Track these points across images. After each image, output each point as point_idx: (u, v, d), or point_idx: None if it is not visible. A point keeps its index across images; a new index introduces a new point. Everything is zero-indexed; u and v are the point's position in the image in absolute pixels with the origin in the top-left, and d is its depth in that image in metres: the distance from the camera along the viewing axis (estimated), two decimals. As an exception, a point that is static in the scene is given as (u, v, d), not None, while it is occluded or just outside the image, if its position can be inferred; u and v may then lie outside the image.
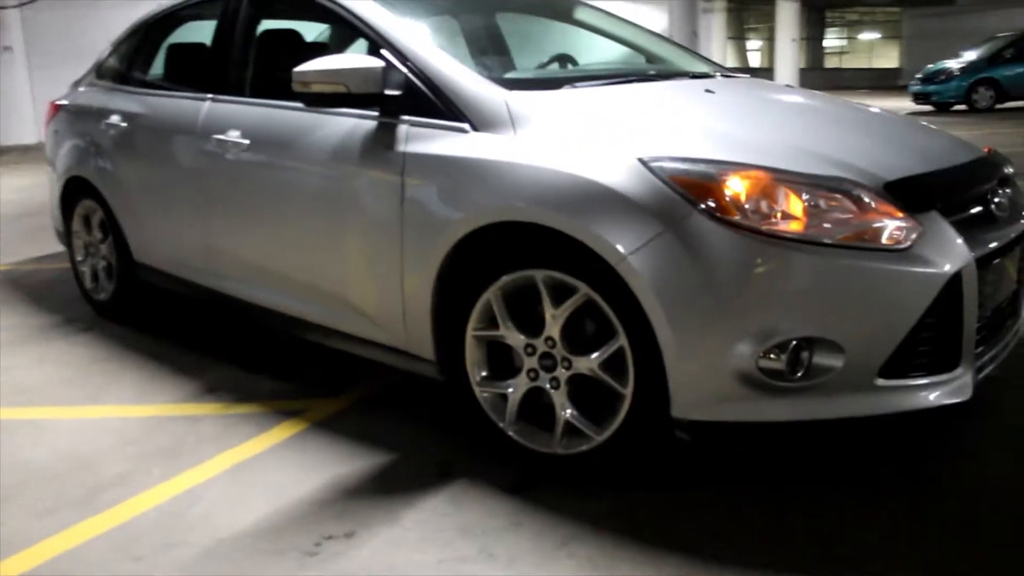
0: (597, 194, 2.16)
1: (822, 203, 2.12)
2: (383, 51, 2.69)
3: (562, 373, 2.33)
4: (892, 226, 2.12)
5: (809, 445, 2.52)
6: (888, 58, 37.66)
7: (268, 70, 3.31)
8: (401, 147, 2.57)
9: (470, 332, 2.45)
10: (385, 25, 2.77)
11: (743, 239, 2.05)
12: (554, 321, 2.30)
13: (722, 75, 3.31)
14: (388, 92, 2.60)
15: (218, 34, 3.49)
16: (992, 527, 2.12)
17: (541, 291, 2.30)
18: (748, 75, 3.49)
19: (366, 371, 3.22)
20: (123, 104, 3.88)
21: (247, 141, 3.08)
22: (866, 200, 2.13)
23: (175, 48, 4.06)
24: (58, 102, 4.52)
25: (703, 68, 3.41)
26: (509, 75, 2.96)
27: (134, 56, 4.20)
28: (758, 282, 2.06)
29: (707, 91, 2.83)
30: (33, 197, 8.16)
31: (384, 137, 2.63)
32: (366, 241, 2.68)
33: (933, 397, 2.19)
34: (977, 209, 2.38)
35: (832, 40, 39.56)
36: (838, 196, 2.13)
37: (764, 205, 2.09)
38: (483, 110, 2.47)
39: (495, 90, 2.51)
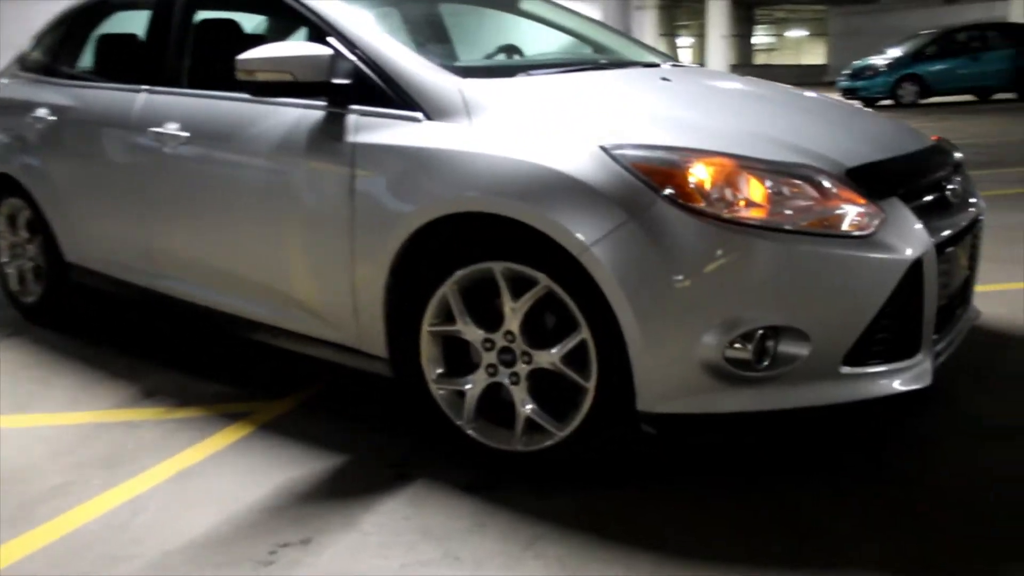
0: (558, 183, 2.10)
1: (785, 190, 2.09)
2: (330, 39, 2.59)
3: (522, 368, 2.26)
4: (855, 212, 2.11)
5: (772, 435, 2.50)
6: (815, 55, 38.50)
7: (207, 60, 3.18)
8: (350, 138, 2.47)
9: (425, 328, 2.37)
10: (332, 12, 2.67)
11: (709, 227, 2.01)
12: (513, 314, 2.24)
13: (671, 65, 3.28)
14: (336, 81, 2.50)
15: (153, 23, 3.34)
16: (958, 511, 2.12)
17: (500, 284, 2.23)
18: (698, 66, 3.47)
19: (311, 370, 3.11)
20: (51, 97, 3.69)
21: (186, 134, 2.95)
22: (829, 187, 2.11)
23: (105, 39, 3.88)
24: (-23, 96, 4.29)
25: (652, 58, 3.38)
26: (461, 63, 2.88)
27: (61, 47, 4.01)
28: (724, 270, 2.02)
29: (663, 79, 2.79)
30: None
31: (332, 128, 2.53)
32: (314, 236, 2.58)
33: (896, 384, 2.19)
34: (933, 196, 2.39)
35: (761, 37, 40.28)
36: (801, 183, 2.10)
37: (728, 192, 2.06)
38: (436, 98, 2.39)
39: (449, 78, 2.43)
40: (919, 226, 2.18)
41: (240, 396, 2.98)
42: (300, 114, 2.63)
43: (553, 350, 2.19)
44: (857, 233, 2.09)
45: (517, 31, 3.91)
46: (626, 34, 3.91)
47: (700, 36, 31.85)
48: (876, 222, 2.11)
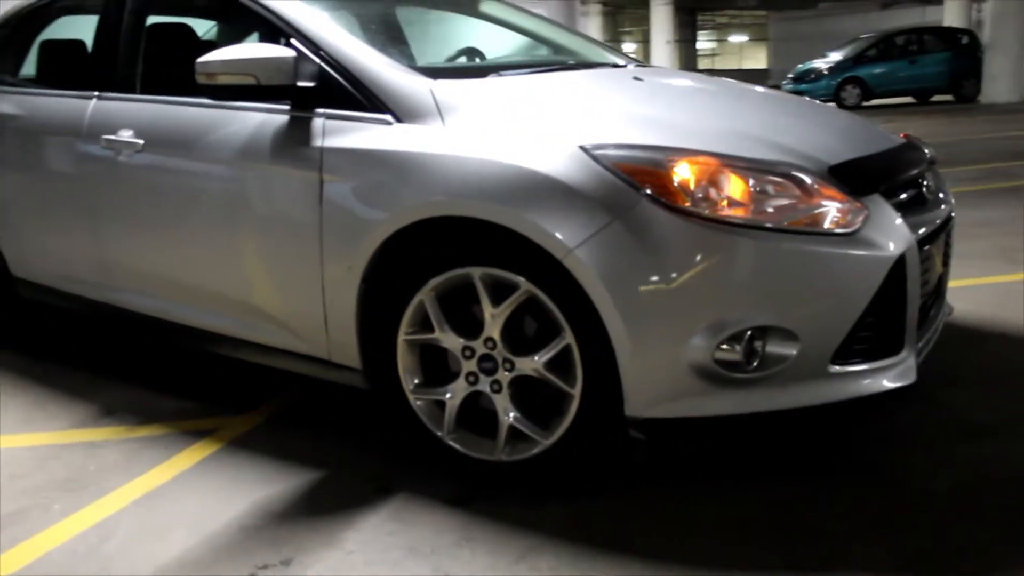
0: (538, 185, 2.04)
1: (770, 188, 2.07)
2: (293, 41, 2.51)
3: (504, 375, 2.20)
4: (839, 210, 2.08)
5: (761, 438, 2.47)
6: (756, 59, 39.10)
7: (161, 65, 3.07)
8: (318, 142, 2.39)
9: (401, 337, 2.29)
10: (293, 14, 2.58)
11: (694, 227, 1.97)
12: (494, 321, 2.18)
13: (636, 66, 3.25)
14: (301, 84, 2.42)
15: (102, 27, 3.21)
16: (950, 511, 2.10)
17: (479, 290, 2.17)
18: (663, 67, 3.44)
19: (276, 383, 3.02)
20: (-7, 105, 3.54)
21: (141, 141, 2.83)
22: (812, 184, 2.09)
23: (49, 45, 3.73)
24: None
25: (615, 59, 3.35)
26: (430, 64, 2.82)
27: (1, 53, 3.85)
28: (711, 271, 1.98)
29: (635, 79, 2.76)
30: None
31: (298, 132, 2.44)
32: (280, 244, 2.48)
33: (883, 382, 2.16)
34: (911, 193, 2.38)
35: (704, 42, 40.78)
36: (785, 181, 2.08)
37: (713, 192, 2.02)
38: (407, 100, 2.32)
39: (419, 79, 2.36)
40: (901, 222, 2.16)
41: (204, 412, 2.87)
42: (263, 119, 2.54)
43: (536, 356, 2.13)
44: (842, 230, 2.06)
45: (473, 35, 3.86)
46: (587, 36, 3.88)
47: (644, 42, 32.12)
48: (860, 219, 2.09)
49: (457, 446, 2.28)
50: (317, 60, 2.45)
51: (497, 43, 3.79)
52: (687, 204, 1.99)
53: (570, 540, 2.01)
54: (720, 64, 40.77)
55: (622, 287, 1.97)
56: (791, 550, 1.95)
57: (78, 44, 3.55)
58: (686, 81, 3.04)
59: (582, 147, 2.06)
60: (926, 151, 2.71)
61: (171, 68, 3.06)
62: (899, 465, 2.35)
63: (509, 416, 2.21)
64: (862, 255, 2.07)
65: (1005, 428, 2.53)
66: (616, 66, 3.13)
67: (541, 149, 2.09)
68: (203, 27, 3.40)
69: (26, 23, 3.83)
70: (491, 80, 2.51)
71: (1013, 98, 17.35)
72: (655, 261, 1.97)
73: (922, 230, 2.28)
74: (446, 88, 2.33)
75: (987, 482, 2.24)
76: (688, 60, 35.97)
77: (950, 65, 17.83)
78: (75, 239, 3.13)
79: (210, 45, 3.29)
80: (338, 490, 2.31)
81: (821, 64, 18.39)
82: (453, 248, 2.19)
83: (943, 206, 2.56)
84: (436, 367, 2.33)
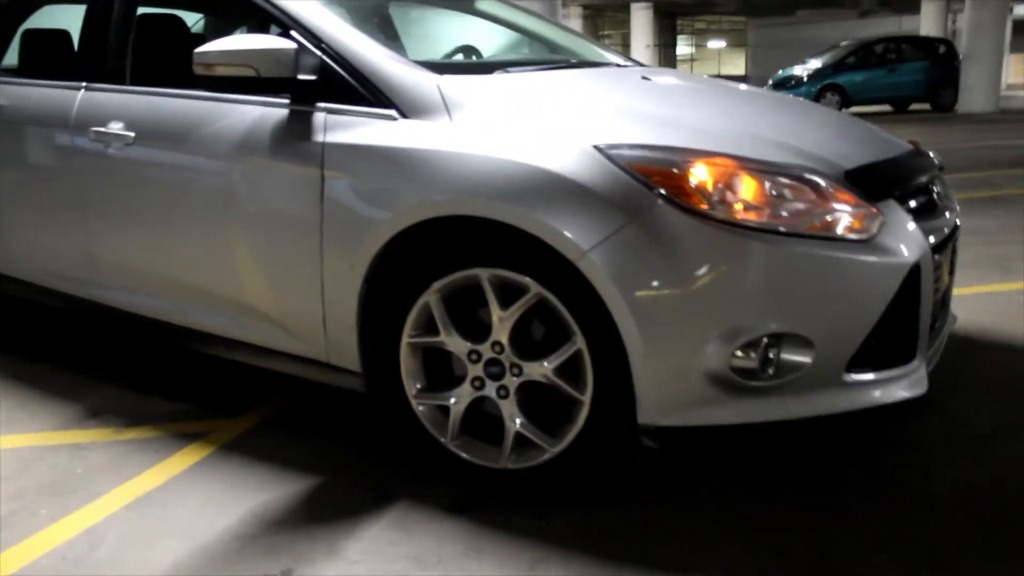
0: (551, 184, 1.99)
1: (786, 192, 2.02)
2: (293, 33, 2.43)
3: (511, 381, 2.14)
4: (856, 215, 2.05)
5: (773, 447, 2.43)
6: (735, 65, 39.28)
7: (153, 56, 2.98)
8: (319, 137, 2.32)
9: (405, 340, 2.23)
10: (294, 6, 2.50)
11: (712, 230, 1.92)
12: (502, 324, 2.12)
13: (634, 65, 3.20)
14: (301, 77, 2.35)
15: (90, 16, 3.11)
16: (960, 519, 2.08)
17: (487, 292, 2.11)
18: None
19: (269, 386, 2.94)
20: (-27, 95, 3.43)
21: (132, 133, 2.74)
22: (829, 189, 2.05)
23: (32, 34, 3.63)
24: None
25: (617, 59, 3.30)
26: (434, 60, 2.76)
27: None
28: (728, 276, 1.94)
29: (644, 79, 2.71)
30: None
31: (298, 126, 2.37)
32: (278, 242, 2.41)
33: (897, 391, 2.13)
34: (923, 200, 2.35)
35: (682, 47, 40.93)
36: (802, 185, 2.03)
37: (730, 194, 1.97)
38: (413, 95, 2.26)
39: (425, 75, 2.30)
40: (916, 229, 2.13)
41: (195, 414, 2.79)
42: (261, 112, 2.46)
43: (545, 362, 2.08)
44: (859, 236, 2.02)
45: (466, 32, 3.80)
46: (584, 36, 3.82)
47: (624, 46, 32.17)
48: (876, 225, 2.06)
49: (461, 453, 2.22)
50: (318, 53, 2.38)
51: (492, 41, 3.74)
52: (704, 207, 1.94)
53: (579, 551, 1.96)
54: (699, 69, 40.92)
55: (637, 291, 1.92)
56: (808, 563, 1.91)
57: (63, 34, 3.45)
58: (695, 83, 2.99)
59: (596, 146, 2.01)
60: (933, 158, 2.68)
61: (163, 59, 2.98)
62: (907, 473, 2.32)
63: (515, 422, 2.15)
64: (878, 262, 2.03)
65: (1005, 435, 2.52)
66: (619, 66, 3.08)
67: (553, 148, 2.03)
68: (196, 17, 3.31)
69: (7, 12, 3.72)
70: (498, 77, 2.45)
71: (989, 108, 17.53)
72: (671, 265, 1.92)
73: (936, 236, 2.25)
74: (453, 84, 2.26)
75: (989, 489, 2.22)
76: (668, 65, 36.10)
77: (928, 74, 17.98)
78: (61, 234, 3.04)
79: (201, 36, 3.21)
80: (336, 497, 2.24)
81: (801, 71, 18.48)
82: (460, 248, 2.13)
83: (951, 214, 2.53)
84: (439, 371, 2.27)
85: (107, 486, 2.33)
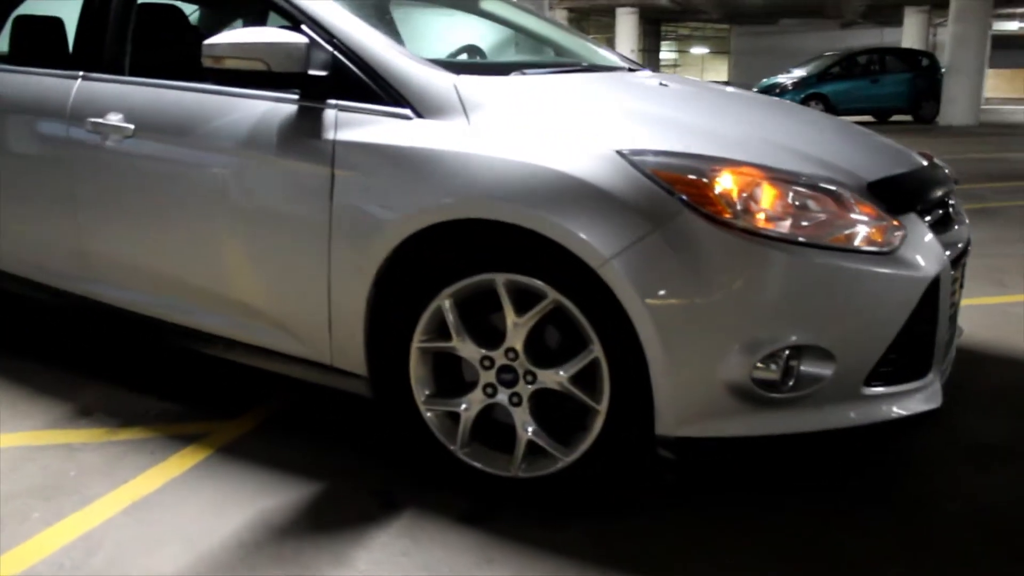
0: (573, 189, 1.94)
1: (810, 203, 1.99)
2: (303, 28, 2.37)
3: (525, 388, 2.09)
4: (879, 228, 2.02)
5: (791, 460, 2.40)
6: (717, 72, 39.46)
7: (155, 46, 2.91)
8: (330, 135, 2.26)
9: (415, 344, 2.17)
10: (306, 1, 2.44)
11: (737, 240, 1.89)
12: (516, 330, 2.07)
13: (643, 69, 3.17)
14: (312, 72, 2.29)
15: (88, 4, 3.03)
16: (975, 534, 2.06)
17: (502, 297, 2.06)
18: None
19: (265, 386, 2.87)
20: (-37, 82, 3.33)
21: (131, 126, 2.67)
22: (852, 201, 2.02)
23: (24, 21, 3.53)
24: None
25: (621, 63, 3.25)
26: (450, 59, 2.70)
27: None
28: (752, 286, 1.90)
29: (661, 84, 2.67)
30: None
31: (308, 123, 2.31)
32: (283, 242, 2.35)
33: (913, 404, 2.10)
34: (941, 213, 2.33)
35: (666, 53, 41.06)
36: (826, 197, 2.00)
37: (755, 205, 1.94)
38: (429, 95, 2.20)
39: (441, 74, 2.25)
40: (935, 242, 2.11)
41: (190, 415, 2.72)
42: (268, 107, 2.40)
43: (561, 369, 2.03)
44: (881, 249, 2.00)
45: (470, 32, 3.75)
46: (590, 39, 3.78)
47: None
48: (898, 238, 2.03)
49: (470, 460, 2.17)
50: (330, 48, 2.32)
51: (483, 42, 3.69)
52: (729, 216, 1.90)
53: (596, 562, 1.92)
54: (682, 75, 41.09)
55: (660, 300, 1.88)
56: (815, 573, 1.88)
57: (56, 21, 3.37)
58: (711, 90, 2.95)
59: (619, 152, 1.96)
60: (950, 173, 2.66)
61: (165, 50, 2.91)
62: (919, 487, 2.30)
63: (528, 431, 2.10)
64: (900, 275, 2.00)
65: (1010, 447, 2.51)
66: (630, 70, 3.04)
67: (575, 152, 1.99)
68: (203, 7, 3.24)
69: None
70: (515, 78, 2.40)
71: (970, 121, 17.69)
72: (695, 274, 1.88)
73: (953, 250, 2.23)
74: (471, 84, 2.21)
75: (997, 501, 2.21)
76: (652, 70, 36.18)
77: (910, 86, 18.12)
78: (52, 227, 2.95)
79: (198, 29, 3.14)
80: (341, 503, 2.18)
81: (785, 79, 18.56)
82: (476, 252, 2.08)
83: (964, 228, 2.52)
84: (449, 376, 2.22)
85: (102, 489, 2.25)
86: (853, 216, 2.01)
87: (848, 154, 2.28)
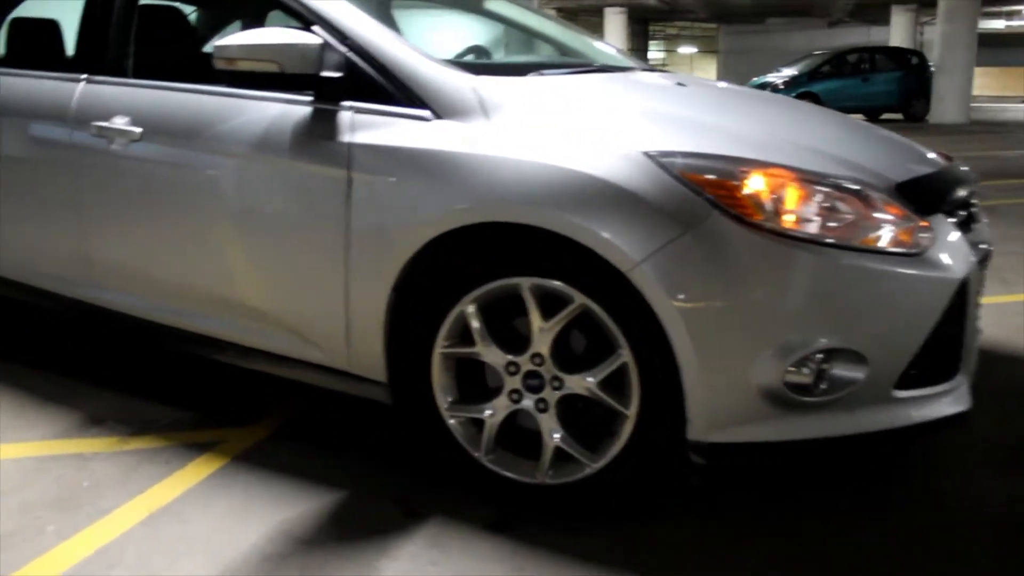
0: (600, 192, 1.91)
1: (840, 205, 1.96)
2: (315, 28, 2.33)
3: (551, 394, 2.06)
4: (908, 229, 1.99)
5: (817, 463, 2.37)
6: (706, 71, 39.52)
7: (162, 48, 2.86)
8: (345, 137, 2.22)
9: (438, 350, 2.14)
10: (317, 1, 2.39)
11: (767, 242, 1.86)
12: (542, 335, 2.03)
13: (654, 69, 3.14)
14: (326, 74, 2.25)
15: (90, 5, 2.98)
16: (1000, 536, 2.04)
17: (528, 302, 2.02)
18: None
19: (275, 393, 2.83)
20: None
21: (138, 129, 2.62)
22: (881, 202, 1.99)
23: (21, 23, 3.48)
24: None
25: (630, 63, 3.23)
26: (467, 60, 2.67)
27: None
28: (783, 289, 1.87)
29: (679, 84, 2.64)
30: None
31: (323, 125, 2.27)
32: (299, 247, 2.31)
33: (941, 407, 2.08)
34: (965, 214, 2.31)
35: (654, 52, 41.10)
36: (855, 198, 1.97)
37: (785, 206, 1.91)
38: (447, 96, 2.17)
39: (459, 74, 2.21)
40: (963, 243, 2.09)
41: (202, 423, 2.67)
42: (281, 109, 2.35)
43: (589, 375, 2.00)
44: (911, 250, 1.97)
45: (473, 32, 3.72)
46: (596, 38, 3.75)
47: (596, 49, 32.19)
48: (927, 239, 2.01)
49: (495, 467, 2.13)
50: (344, 49, 2.28)
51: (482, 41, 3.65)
52: (760, 218, 1.87)
53: (631, 570, 1.88)
54: (669, 74, 41.13)
55: (692, 304, 1.85)
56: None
57: (52, 23, 3.32)
58: (729, 90, 2.92)
59: (647, 153, 1.93)
60: (971, 173, 2.64)
61: (170, 51, 2.86)
62: (939, 487, 2.29)
63: (555, 437, 2.07)
64: (930, 276, 1.98)
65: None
66: (645, 70, 3.01)
67: (600, 153, 1.95)
68: (207, 8, 3.19)
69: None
70: (534, 79, 2.37)
71: (960, 119, 17.76)
72: (727, 277, 1.86)
73: (978, 251, 2.21)
74: (489, 85, 2.18)
75: (1017, 505, 2.20)
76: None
77: (900, 84, 18.19)
78: (56, 233, 2.89)
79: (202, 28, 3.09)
80: (363, 513, 2.14)
81: (775, 78, 18.60)
82: (500, 256, 2.04)
83: (985, 228, 2.50)
84: (471, 382, 2.18)
85: (117, 500, 2.21)
86: (882, 217, 1.98)
87: (873, 154, 2.26)
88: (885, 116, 18.76)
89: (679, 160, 1.92)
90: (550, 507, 2.11)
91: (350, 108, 2.25)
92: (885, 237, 1.96)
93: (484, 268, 2.05)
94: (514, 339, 2.09)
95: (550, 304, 2.02)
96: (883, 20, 25.59)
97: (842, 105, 17.87)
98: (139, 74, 2.82)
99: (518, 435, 2.15)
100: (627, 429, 1.99)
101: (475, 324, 2.08)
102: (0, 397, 2.86)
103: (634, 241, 1.87)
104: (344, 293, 2.24)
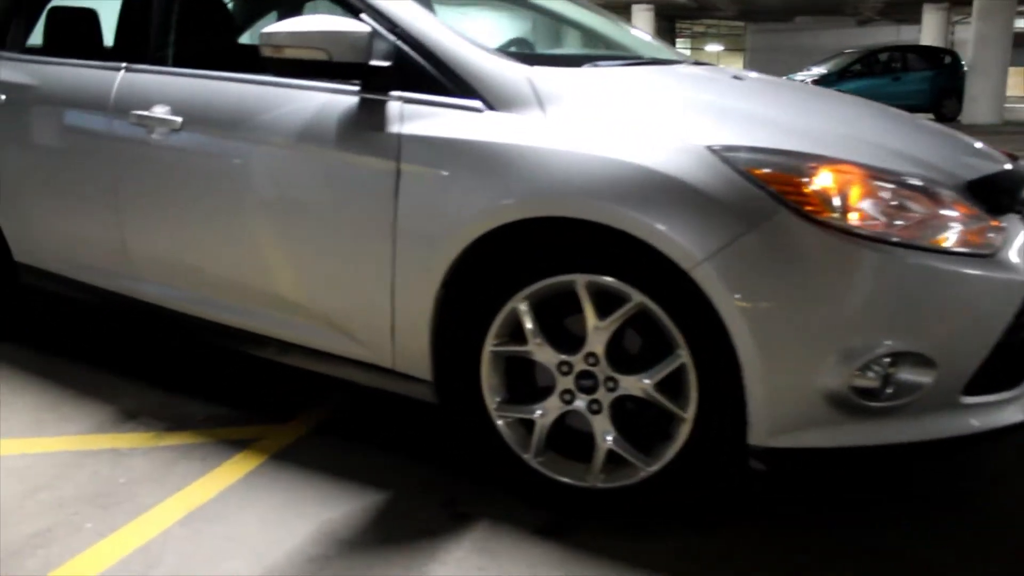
0: (661, 187, 1.84)
1: (910, 203, 1.87)
2: (363, 16, 2.27)
3: (605, 395, 1.99)
4: (979, 229, 1.91)
5: (881, 471, 2.29)
6: (731, 70, 39.18)
7: (203, 36, 2.81)
8: (395, 128, 2.16)
9: (488, 348, 2.07)
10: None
11: (836, 241, 1.78)
12: (597, 334, 1.96)
13: (706, 64, 3.06)
14: (374, 63, 2.19)
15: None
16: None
17: (583, 300, 1.95)
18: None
19: (312, 389, 2.78)
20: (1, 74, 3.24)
21: (179, 119, 2.57)
22: (952, 200, 1.91)
23: (60, 12, 3.44)
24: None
25: (675, 56, 3.14)
26: (520, 50, 2.61)
27: (8, 19, 3.54)
28: (852, 289, 1.79)
29: (735, 78, 2.56)
30: None
31: (371, 116, 2.21)
32: (344, 240, 2.25)
33: (1008, 414, 1.99)
34: (1031, 213, 2.21)
35: (680, 50, 40.86)
36: (926, 196, 1.89)
37: (855, 204, 1.82)
38: (501, 87, 2.10)
39: (513, 65, 2.14)
40: (1036, 244, 2.00)
41: (239, 419, 2.62)
42: (327, 99, 2.30)
43: (645, 376, 1.93)
44: (983, 251, 1.89)
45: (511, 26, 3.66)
46: (633, 28, 3.67)
47: (622, 47, 31.99)
48: (999, 239, 1.92)
49: (544, 470, 2.07)
50: (393, 38, 2.22)
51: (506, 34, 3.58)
52: (828, 216, 1.79)
53: (688, 582, 1.82)
54: (695, 73, 40.85)
55: (757, 304, 1.77)
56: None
57: (92, 12, 3.28)
58: (788, 85, 2.84)
59: (710, 147, 1.86)
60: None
61: (211, 40, 2.82)
62: (988, 492, 2.22)
63: (608, 439, 2.00)
64: (1002, 278, 1.89)
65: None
66: (697, 63, 2.93)
67: (661, 147, 1.88)
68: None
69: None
70: (589, 70, 2.30)
71: (993, 119, 17.48)
72: (793, 276, 1.78)
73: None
74: (545, 76, 2.11)
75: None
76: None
77: (932, 84, 17.92)
78: (93, 223, 2.85)
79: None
80: (409, 515, 2.08)
81: (805, 77, 18.39)
82: (555, 252, 1.97)
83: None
84: (521, 382, 2.12)
85: (154, 497, 2.16)
86: (953, 216, 1.90)
87: (939, 152, 2.18)
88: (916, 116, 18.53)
89: (743, 155, 1.85)
90: (601, 512, 2.04)
91: (399, 98, 2.18)
92: (956, 237, 1.88)
93: (538, 265, 1.99)
94: (565, 338, 2.02)
95: (605, 302, 1.95)
96: (913, 19, 25.28)
97: (873, 104, 17.76)
98: (179, 63, 2.77)
99: (568, 437, 2.08)
100: (684, 432, 1.91)
101: (527, 322, 2.02)
102: (36, 391, 2.83)
103: (697, 238, 1.79)
104: (390, 288, 2.18)
